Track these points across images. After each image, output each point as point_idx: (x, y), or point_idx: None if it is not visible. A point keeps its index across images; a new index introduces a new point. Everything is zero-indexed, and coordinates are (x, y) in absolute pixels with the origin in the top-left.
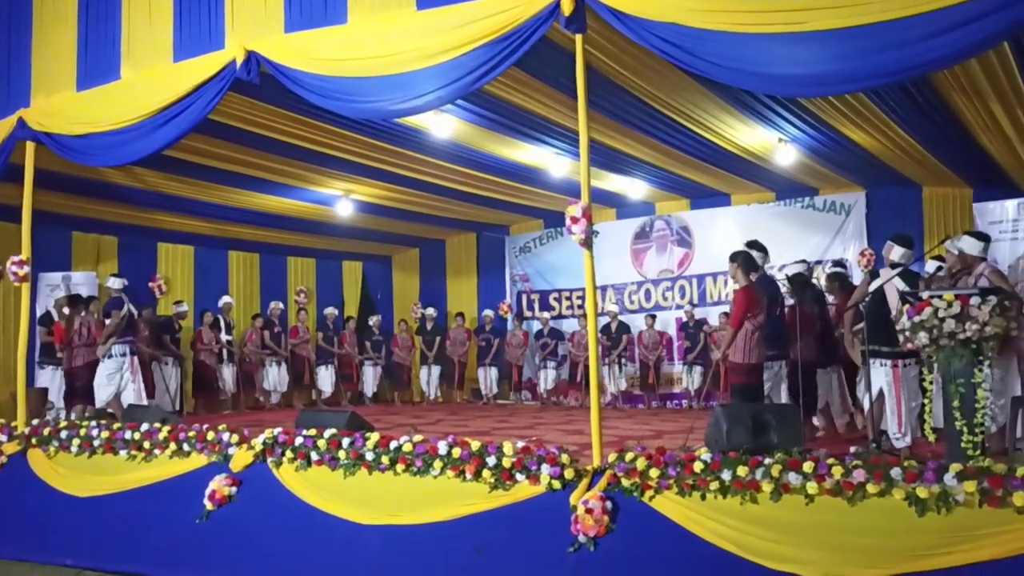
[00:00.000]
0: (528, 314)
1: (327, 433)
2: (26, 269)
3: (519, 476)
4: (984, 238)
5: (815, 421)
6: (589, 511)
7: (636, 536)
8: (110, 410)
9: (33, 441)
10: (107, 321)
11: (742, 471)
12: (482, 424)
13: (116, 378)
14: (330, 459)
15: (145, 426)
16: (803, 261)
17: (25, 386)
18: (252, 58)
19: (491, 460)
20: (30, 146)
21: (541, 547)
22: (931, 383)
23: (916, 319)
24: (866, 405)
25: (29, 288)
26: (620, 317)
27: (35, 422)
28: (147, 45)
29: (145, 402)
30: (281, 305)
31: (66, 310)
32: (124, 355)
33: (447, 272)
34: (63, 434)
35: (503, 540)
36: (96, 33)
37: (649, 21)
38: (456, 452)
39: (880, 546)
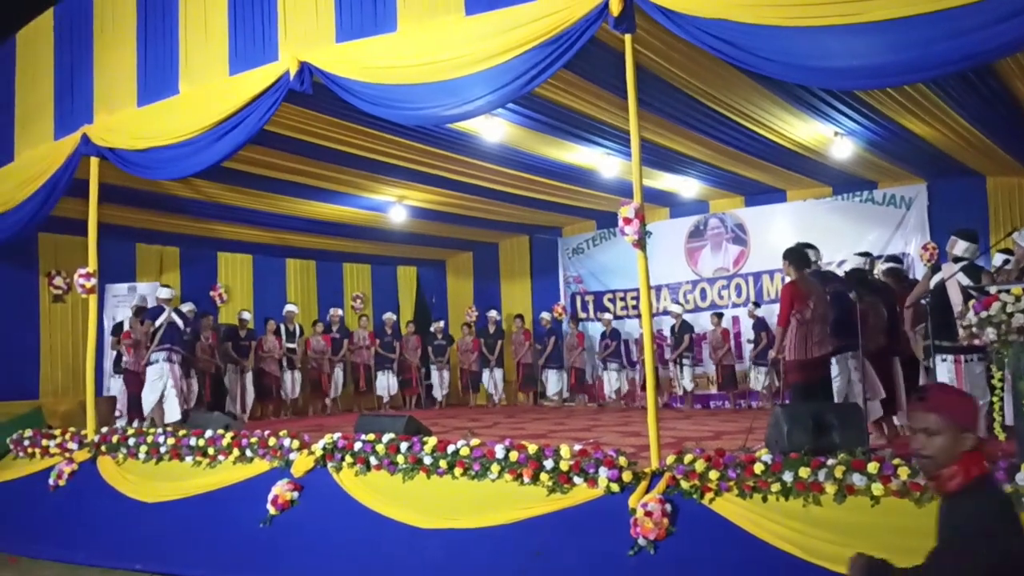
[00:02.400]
0: (583, 315)
1: (385, 438)
2: (93, 281)
3: (577, 479)
4: None
5: (895, 420)
6: (648, 514)
7: (697, 539)
8: (154, 418)
9: (102, 448)
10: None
11: (804, 472)
12: (539, 427)
13: (158, 385)
14: (388, 463)
15: (209, 432)
16: (866, 254)
17: (94, 395)
18: (305, 69)
19: (548, 463)
20: (94, 161)
21: (600, 550)
22: (1000, 380)
23: (983, 314)
24: None
25: (96, 299)
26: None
27: (104, 430)
28: (204, 60)
29: (178, 411)
30: (340, 312)
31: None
32: (161, 362)
33: (501, 275)
34: (131, 441)
35: (562, 543)
36: (155, 50)
37: (698, 18)
38: (513, 456)
39: None
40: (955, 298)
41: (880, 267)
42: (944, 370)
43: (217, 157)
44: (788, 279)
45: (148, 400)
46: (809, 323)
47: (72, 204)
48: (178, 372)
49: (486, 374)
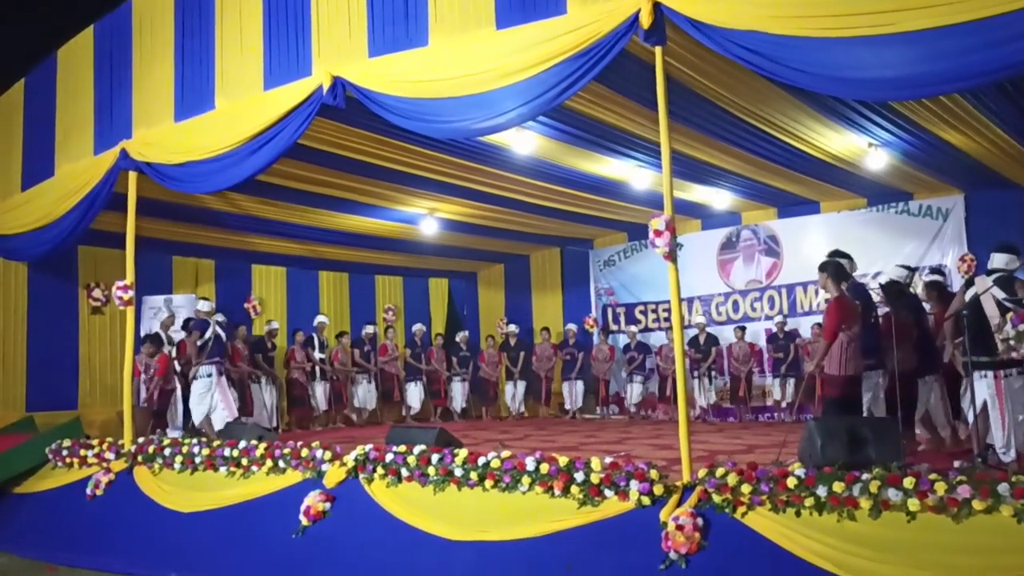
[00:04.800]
0: (614, 327)
1: (417, 449)
2: (130, 293)
3: (608, 492)
4: None
5: (916, 431)
6: (680, 528)
7: (729, 554)
8: (204, 430)
9: (139, 458)
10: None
11: (838, 487)
12: (570, 439)
13: (207, 398)
14: (420, 475)
15: (243, 443)
16: (906, 267)
17: (131, 405)
18: (338, 83)
19: (579, 476)
20: (132, 175)
21: (631, 564)
22: None
23: (1021, 327)
24: (970, 418)
25: (133, 311)
26: (708, 329)
27: (140, 440)
28: (239, 75)
29: (231, 419)
30: (373, 328)
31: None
32: (211, 375)
33: (532, 287)
34: (167, 451)
35: (593, 556)
36: (192, 66)
37: (729, 30)
38: (544, 468)
39: (987, 565)
40: (991, 312)
41: (922, 279)
42: (983, 386)
43: (252, 171)
44: (830, 294)
45: (198, 412)
46: (857, 339)
47: (111, 218)
48: (226, 384)
49: (509, 386)
